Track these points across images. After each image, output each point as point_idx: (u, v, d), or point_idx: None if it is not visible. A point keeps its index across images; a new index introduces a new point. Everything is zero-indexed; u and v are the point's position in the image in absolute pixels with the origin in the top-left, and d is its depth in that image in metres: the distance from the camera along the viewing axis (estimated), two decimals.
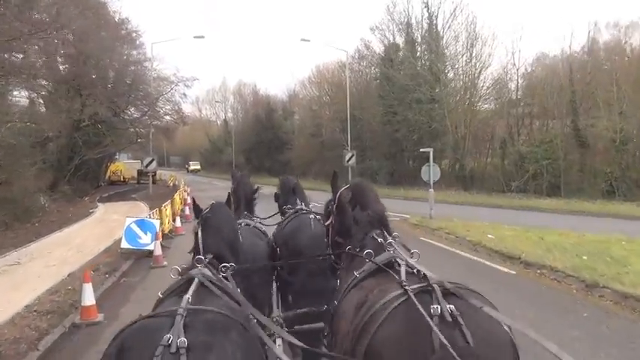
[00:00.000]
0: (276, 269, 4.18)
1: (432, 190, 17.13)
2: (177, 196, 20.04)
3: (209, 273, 2.35)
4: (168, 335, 1.73)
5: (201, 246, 2.68)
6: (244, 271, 3.08)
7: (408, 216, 16.54)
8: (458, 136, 31.28)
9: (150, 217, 12.23)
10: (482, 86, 31.69)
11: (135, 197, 27.71)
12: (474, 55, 31.27)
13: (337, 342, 2.30)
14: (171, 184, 35.32)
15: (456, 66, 32.44)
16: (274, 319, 3.40)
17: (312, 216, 4.34)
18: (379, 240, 2.61)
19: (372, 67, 38.27)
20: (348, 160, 32.66)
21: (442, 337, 1.70)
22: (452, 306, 1.82)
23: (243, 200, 4.60)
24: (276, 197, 5.21)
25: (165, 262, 10.07)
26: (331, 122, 40.99)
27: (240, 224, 3.96)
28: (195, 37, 29.98)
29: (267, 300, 4.15)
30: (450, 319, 1.78)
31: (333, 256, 3.24)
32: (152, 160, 28.61)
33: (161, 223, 12.46)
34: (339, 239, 3.09)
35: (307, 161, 47.03)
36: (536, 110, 29.18)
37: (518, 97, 30.56)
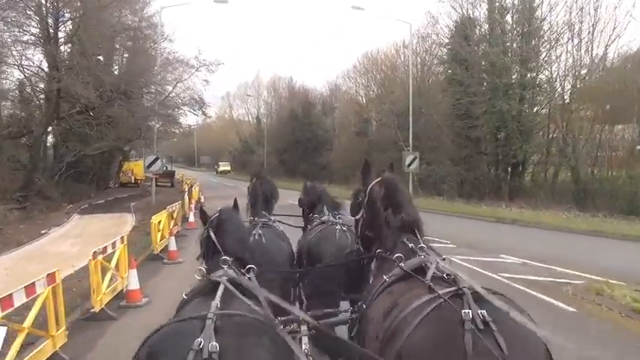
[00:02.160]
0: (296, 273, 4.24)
1: None
2: (176, 209, 14.39)
3: (234, 274, 2.29)
4: (199, 340, 1.70)
5: (220, 247, 2.59)
6: (267, 273, 3.06)
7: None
8: (563, 135, 23.12)
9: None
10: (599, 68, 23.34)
11: (131, 206, 21.09)
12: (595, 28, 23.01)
13: (364, 346, 2.27)
14: (187, 188, 28.60)
15: (560, 42, 24.22)
16: (302, 318, 2.77)
17: (337, 227, 4.29)
18: (410, 245, 2.55)
19: (439, 48, 30.47)
20: (409, 165, 25.09)
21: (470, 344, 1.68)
22: (484, 311, 1.78)
23: (261, 197, 4.52)
24: (300, 202, 5.13)
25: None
26: (383, 117, 33.32)
27: (258, 223, 4.14)
28: (216, 1, 23.19)
29: (287, 300, 3.76)
30: (481, 325, 1.73)
31: (362, 249, 3.21)
32: (155, 160, 21.95)
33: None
34: (369, 233, 3.03)
35: (350, 164, 39.61)
36: None
37: None
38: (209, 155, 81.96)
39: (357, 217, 3.26)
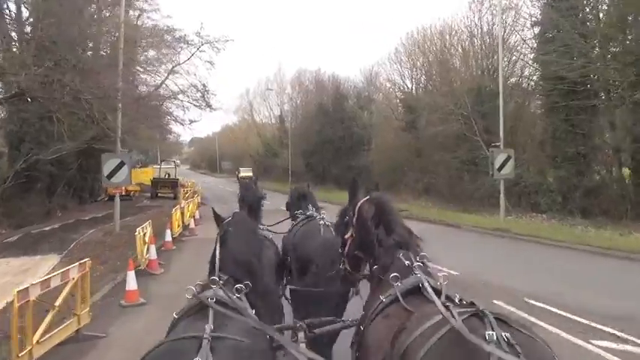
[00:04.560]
0: (286, 276, 4.29)
1: None
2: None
3: (222, 294, 2.28)
4: (197, 359, 1.73)
5: (217, 265, 2.57)
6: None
7: None
8: None
9: None
10: None
11: (77, 240, 13.63)
12: None
13: None
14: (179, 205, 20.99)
15: None
16: (298, 325, 2.91)
17: (322, 222, 4.30)
18: (406, 262, 2.45)
19: (525, 8, 22.05)
20: (501, 167, 16.92)
21: None
22: (507, 334, 1.71)
23: (247, 207, 4.45)
24: (288, 206, 5.25)
25: None
26: (448, 104, 24.93)
27: None
28: None
29: (278, 306, 3.89)
30: (506, 348, 1.66)
31: (348, 269, 3.13)
32: (120, 166, 14.53)
33: None
34: (359, 254, 2.95)
35: (395, 167, 31.60)
36: None
37: None
38: (231, 160, 75.89)
39: (347, 236, 3.10)
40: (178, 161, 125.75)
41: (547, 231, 14.92)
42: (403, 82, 32.66)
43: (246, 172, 60.42)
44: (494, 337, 1.68)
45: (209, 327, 1.92)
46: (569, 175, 19.17)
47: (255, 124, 63.66)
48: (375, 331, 2.24)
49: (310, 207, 4.81)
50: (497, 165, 16.65)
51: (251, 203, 4.41)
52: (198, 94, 24.63)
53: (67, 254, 11.29)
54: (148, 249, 9.83)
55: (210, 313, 2.07)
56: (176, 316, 2.27)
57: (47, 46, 13.71)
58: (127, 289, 7.63)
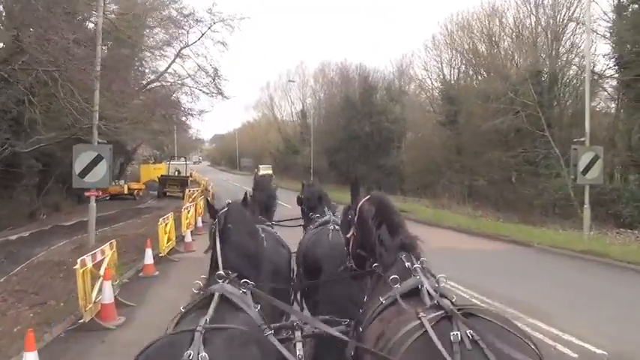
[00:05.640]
0: (296, 279, 4.25)
1: None
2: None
3: (230, 289, 2.35)
4: (189, 351, 1.78)
5: (220, 261, 2.57)
6: (266, 283, 3.02)
7: None
8: None
9: None
10: None
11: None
12: None
13: None
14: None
15: None
16: (295, 324, 2.96)
17: (331, 227, 4.24)
18: (407, 264, 2.48)
19: None
20: (585, 170, 13.16)
21: None
22: (471, 330, 1.79)
23: (259, 204, 4.49)
24: (299, 201, 5.12)
25: None
26: (497, 96, 21.05)
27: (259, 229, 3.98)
28: None
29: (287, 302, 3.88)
30: (469, 345, 1.74)
31: (354, 266, 3.10)
32: (97, 160, 11.38)
33: None
34: (361, 252, 2.97)
35: (431, 168, 27.91)
36: None
37: None
38: (251, 157, 72.73)
39: (348, 235, 3.16)
40: (200, 157, 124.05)
41: None
42: (442, 71, 28.77)
43: (265, 170, 57.43)
44: (459, 337, 1.76)
45: (204, 320, 1.97)
46: None
47: (276, 119, 60.56)
48: (370, 332, 2.30)
49: (326, 210, 4.64)
50: (581, 167, 12.85)
51: (262, 202, 4.45)
52: (209, 79, 21.47)
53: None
54: (100, 287, 6.50)
55: (211, 307, 2.13)
56: (183, 310, 2.32)
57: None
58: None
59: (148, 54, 23.05)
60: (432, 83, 30.49)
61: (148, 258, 9.26)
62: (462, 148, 25.86)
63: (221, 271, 2.44)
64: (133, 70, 22.55)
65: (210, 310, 2.07)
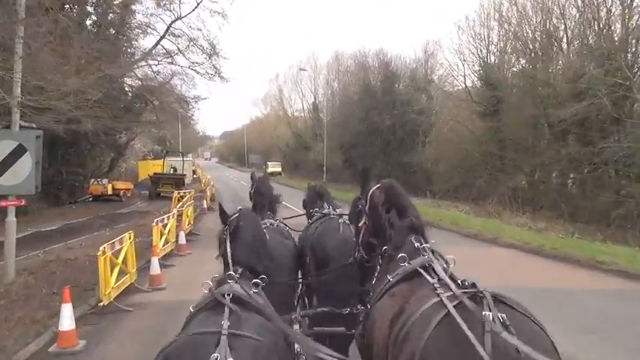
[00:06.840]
0: (303, 271, 4.22)
1: None
2: None
3: (239, 289, 2.30)
4: (215, 354, 1.74)
5: (230, 259, 2.64)
6: (273, 275, 2.92)
7: None
8: None
9: None
10: None
11: None
12: None
13: (374, 352, 2.27)
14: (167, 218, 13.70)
15: None
16: (294, 318, 3.14)
17: (340, 220, 4.25)
18: (416, 244, 2.51)
19: None
20: None
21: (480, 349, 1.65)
22: (504, 315, 1.76)
23: (267, 201, 4.55)
24: (304, 203, 5.20)
25: None
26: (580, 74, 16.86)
27: (265, 224, 3.97)
28: None
29: (293, 300, 4.06)
30: (500, 328, 1.71)
31: (364, 256, 3.15)
32: (18, 151, 7.43)
33: None
34: (373, 241, 3.00)
35: (465, 167, 23.90)
36: None
37: None
38: (259, 154, 69.02)
39: (360, 224, 3.17)
40: (209, 154, 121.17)
41: None
42: (480, 51, 24.56)
43: (274, 167, 53.91)
44: (490, 318, 1.73)
45: (226, 323, 1.93)
46: None
47: (285, 113, 56.83)
48: (381, 307, 2.30)
49: (326, 205, 4.66)
50: None
51: (268, 198, 4.52)
52: (204, 57, 17.67)
53: None
54: None
55: (226, 309, 2.07)
56: (192, 310, 2.28)
57: None
58: None
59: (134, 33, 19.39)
60: (466, 68, 26.36)
61: (65, 319, 5.42)
62: (505, 143, 21.78)
63: (231, 272, 2.46)
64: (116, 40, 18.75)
65: (226, 313, 2.02)
